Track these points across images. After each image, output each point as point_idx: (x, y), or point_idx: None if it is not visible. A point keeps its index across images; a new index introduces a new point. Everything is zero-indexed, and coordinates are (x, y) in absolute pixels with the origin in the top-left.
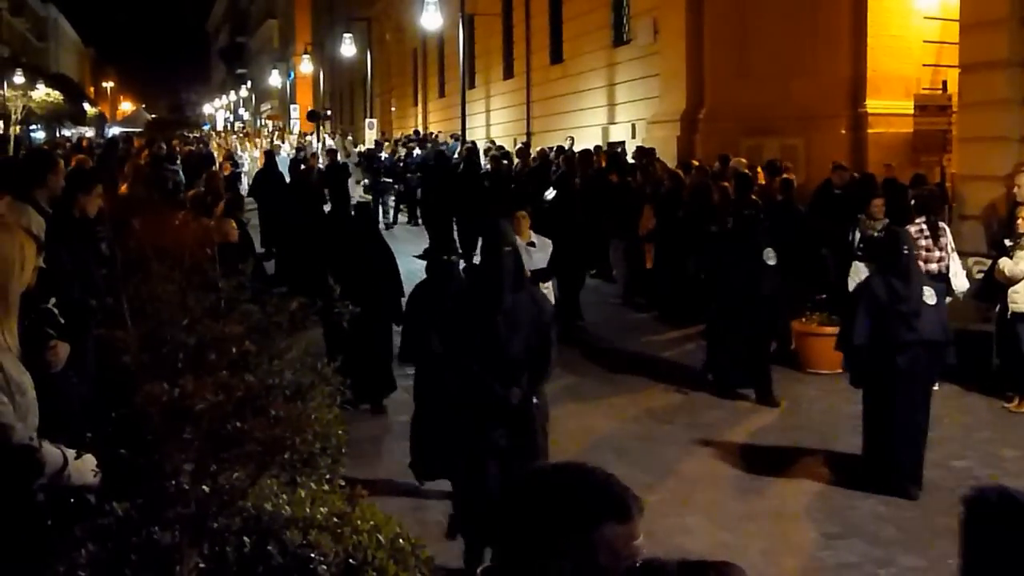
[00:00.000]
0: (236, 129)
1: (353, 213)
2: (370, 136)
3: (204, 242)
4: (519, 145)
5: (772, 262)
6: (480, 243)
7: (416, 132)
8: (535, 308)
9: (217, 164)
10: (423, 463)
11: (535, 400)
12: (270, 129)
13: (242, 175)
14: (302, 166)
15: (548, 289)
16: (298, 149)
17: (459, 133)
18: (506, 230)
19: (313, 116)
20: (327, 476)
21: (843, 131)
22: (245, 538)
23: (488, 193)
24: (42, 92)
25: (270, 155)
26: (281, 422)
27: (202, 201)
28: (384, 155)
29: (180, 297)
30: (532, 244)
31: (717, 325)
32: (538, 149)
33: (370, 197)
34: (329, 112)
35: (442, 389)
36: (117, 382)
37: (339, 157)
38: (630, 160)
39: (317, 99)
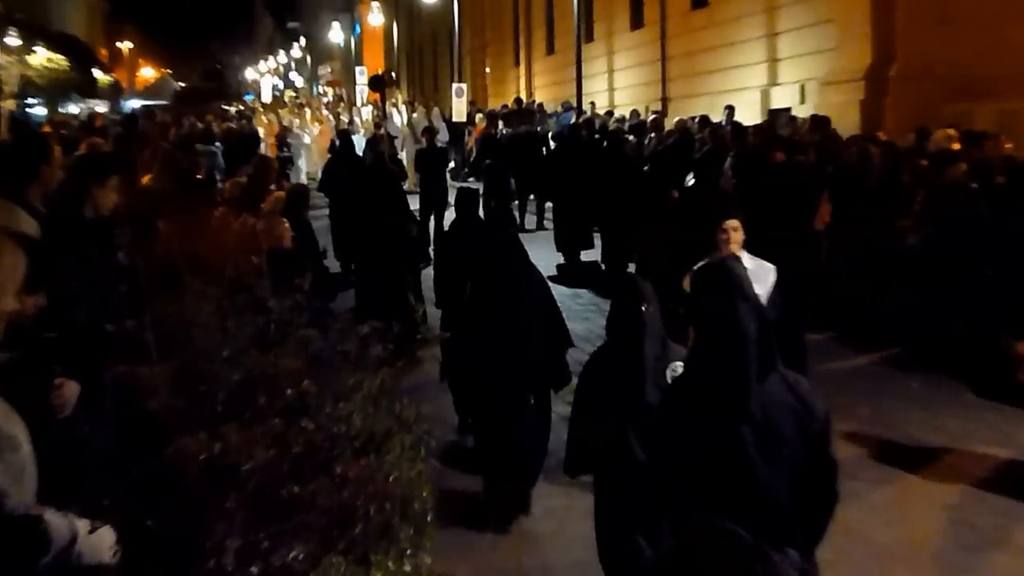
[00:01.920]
0: (288, 100)
1: (486, 217)
2: (458, 107)
3: (250, 248)
4: (651, 115)
5: None
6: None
7: (517, 100)
8: (799, 406)
9: (265, 145)
10: None
11: None
12: (330, 99)
13: (297, 161)
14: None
15: None
16: (376, 126)
17: (572, 101)
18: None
19: (376, 83)
20: (408, 552)
21: None
22: None
23: (616, 182)
24: (43, 57)
25: (346, 137)
26: (350, 484)
27: (248, 195)
28: (503, 130)
29: (220, 321)
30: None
31: None
32: (675, 120)
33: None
34: (394, 75)
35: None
36: (142, 432)
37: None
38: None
39: (390, 59)
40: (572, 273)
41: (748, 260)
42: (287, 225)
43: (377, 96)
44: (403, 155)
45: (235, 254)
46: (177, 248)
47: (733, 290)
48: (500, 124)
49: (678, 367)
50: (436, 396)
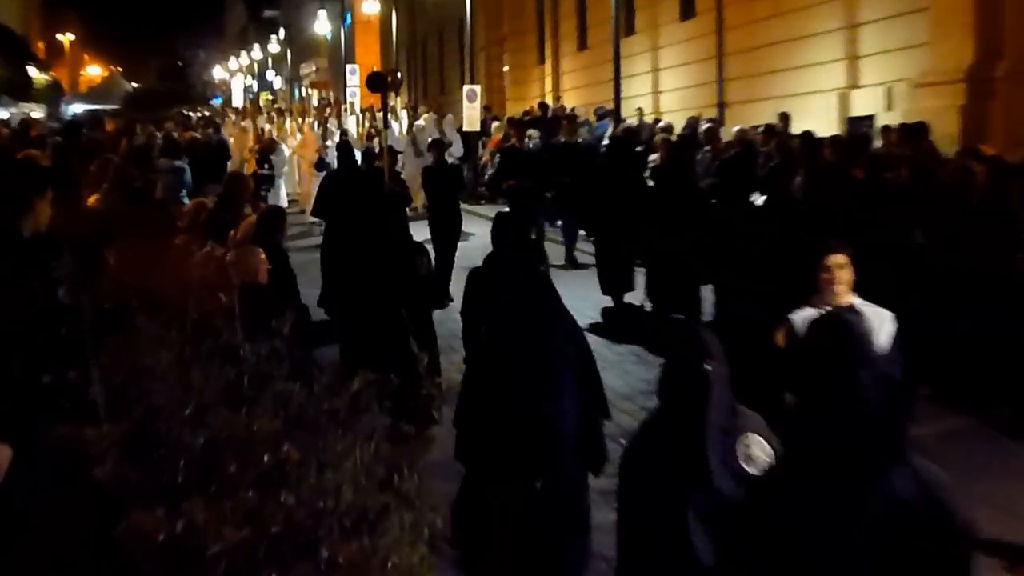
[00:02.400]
0: (264, 104)
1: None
2: (470, 113)
3: (218, 284)
4: (705, 124)
5: None
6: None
7: (542, 106)
8: (931, 512)
9: (240, 158)
10: None
11: None
12: (316, 103)
13: (277, 178)
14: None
15: None
16: (370, 136)
17: (605, 106)
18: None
19: (376, 82)
20: None
21: None
22: None
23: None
24: None
25: (347, 148)
26: (338, 571)
27: (216, 219)
28: (531, 142)
29: (181, 372)
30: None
31: None
32: (735, 130)
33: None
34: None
35: None
36: (87, 507)
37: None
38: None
39: (387, 57)
40: (614, 318)
41: (861, 306)
42: (263, 256)
43: (377, 99)
44: (403, 172)
45: (200, 291)
46: (130, 283)
47: (853, 355)
48: (530, 134)
49: (753, 445)
50: (443, 466)
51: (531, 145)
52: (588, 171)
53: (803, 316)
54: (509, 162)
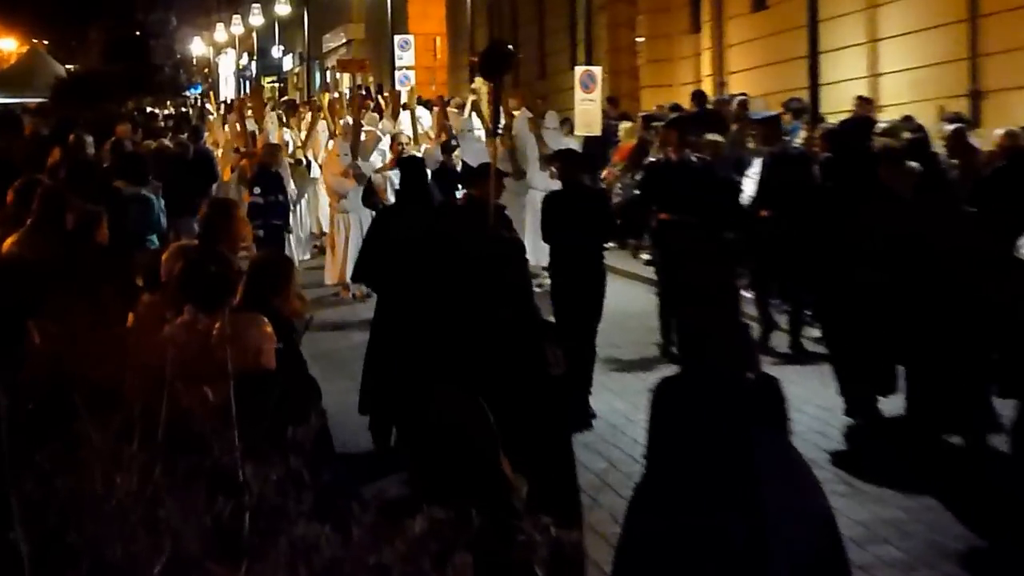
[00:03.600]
0: (271, 94)
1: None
2: (587, 110)
3: (202, 370)
4: (946, 126)
5: None
6: None
7: (698, 96)
8: None
9: (230, 178)
10: None
11: None
12: (346, 95)
13: (291, 208)
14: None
15: None
16: (445, 146)
17: (799, 98)
18: None
19: (492, 63)
20: None
21: None
22: None
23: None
24: None
25: (413, 169)
26: None
27: (198, 273)
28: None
29: (147, 507)
30: None
31: None
32: (997, 133)
33: None
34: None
35: None
36: None
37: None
38: None
39: (455, 22)
40: (865, 443)
41: None
42: (270, 330)
43: (441, 88)
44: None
45: (176, 381)
46: (67, 370)
47: None
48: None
49: None
50: None
51: (693, 159)
52: (810, 201)
53: None
54: (657, 184)
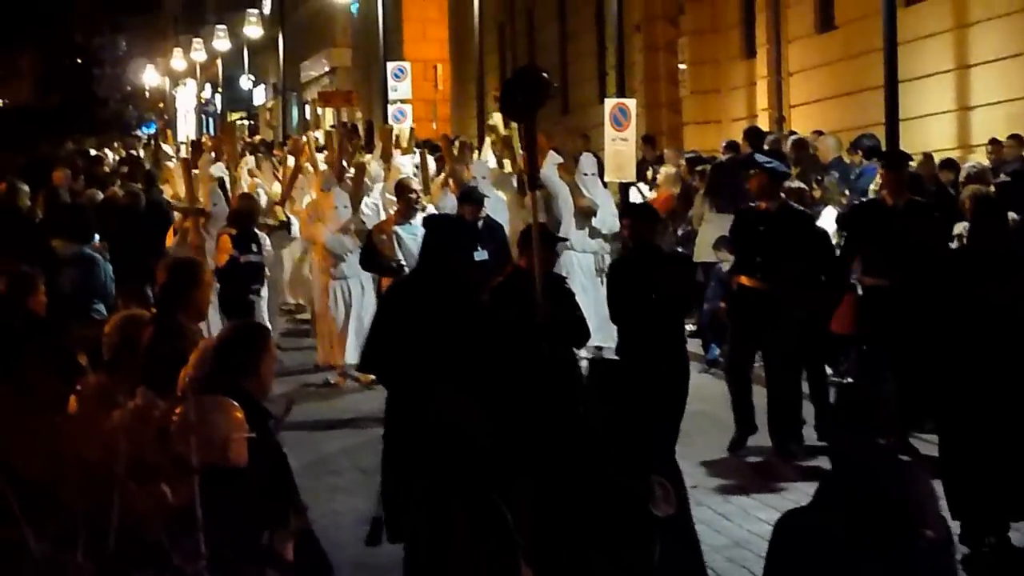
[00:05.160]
0: (242, 132)
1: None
2: (619, 150)
3: (160, 468)
4: None
5: None
6: None
7: (751, 134)
8: None
9: (190, 237)
10: None
11: None
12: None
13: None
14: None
15: None
16: (464, 195)
17: (873, 134)
18: None
19: (524, 95)
20: None
21: None
22: None
23: None
24: None
25: (447, 230)
26: None
27: (153, 349)
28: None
29: None
30: None
31: None
32: None
33: None
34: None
35: None
36: None
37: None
38: None
39: (461, 46)
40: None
41: None
42: (240, 416)
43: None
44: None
45: (127, 480)
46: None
47: None
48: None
49: None
50: None
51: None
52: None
53: None
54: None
